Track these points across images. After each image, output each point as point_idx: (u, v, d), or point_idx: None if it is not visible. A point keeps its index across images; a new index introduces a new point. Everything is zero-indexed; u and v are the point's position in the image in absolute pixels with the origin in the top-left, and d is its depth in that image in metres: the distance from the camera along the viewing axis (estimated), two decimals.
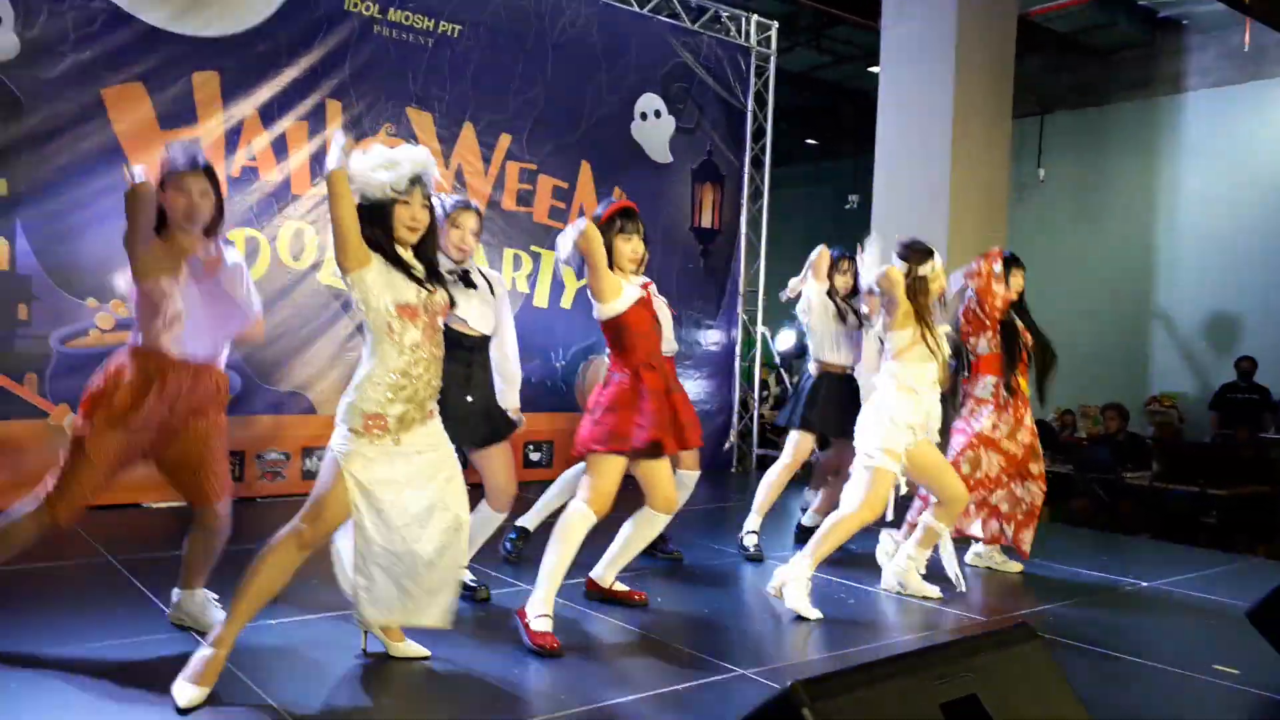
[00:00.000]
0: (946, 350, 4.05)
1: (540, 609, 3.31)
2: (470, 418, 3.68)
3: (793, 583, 3.82)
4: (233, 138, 5.70)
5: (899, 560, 4.22)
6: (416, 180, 2.82)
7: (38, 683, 2.80)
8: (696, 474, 4.53)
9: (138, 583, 3.74)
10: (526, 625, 3.30)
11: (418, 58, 6.32)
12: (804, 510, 5.24)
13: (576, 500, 3.45)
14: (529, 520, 4.52)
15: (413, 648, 3.16)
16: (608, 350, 3.62)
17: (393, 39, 6.23)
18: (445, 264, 3.55)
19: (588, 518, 3.41)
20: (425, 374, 2.86)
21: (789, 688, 1.45)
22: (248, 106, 5.73)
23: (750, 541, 4.86)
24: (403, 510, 2.83)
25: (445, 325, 3.41)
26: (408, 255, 2.88)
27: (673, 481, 3.68)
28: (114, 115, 5.29)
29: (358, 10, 6.07)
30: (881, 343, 4.14)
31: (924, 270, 3.97)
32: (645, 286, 3.63)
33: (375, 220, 2.81)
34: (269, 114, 5.81)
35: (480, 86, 6.61)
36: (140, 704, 2.69)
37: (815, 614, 3.78)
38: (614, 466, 3.46)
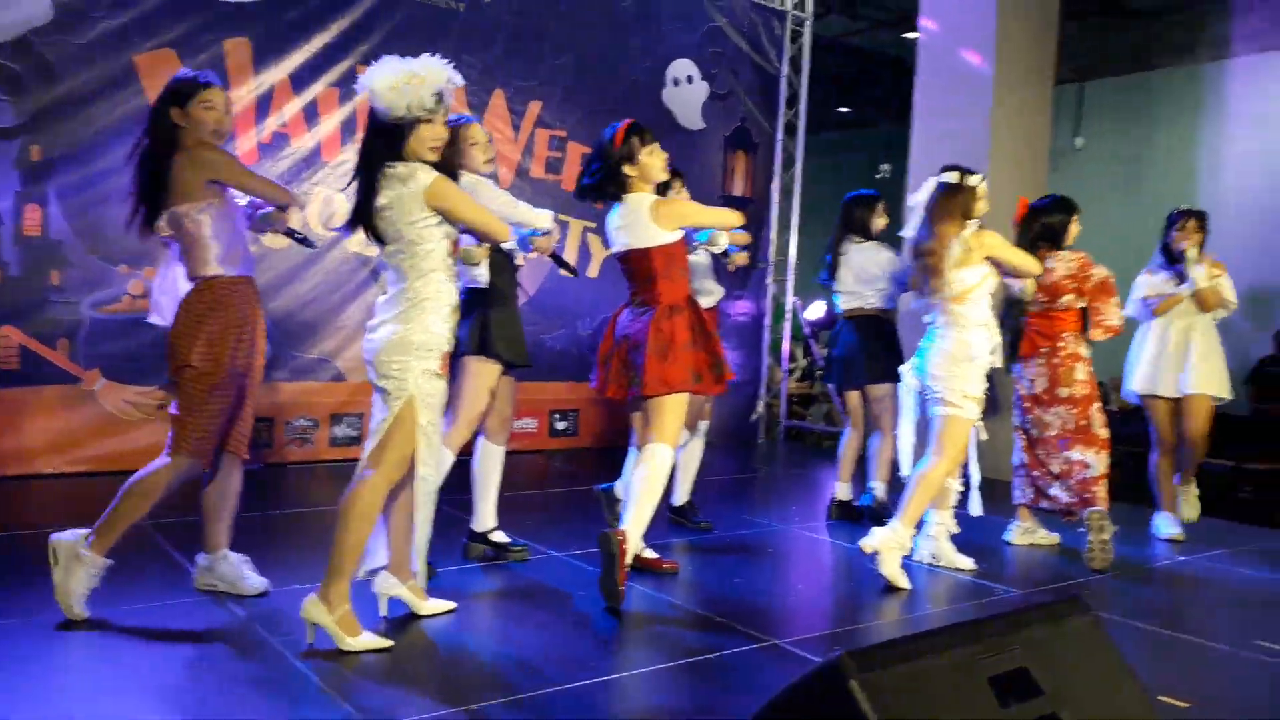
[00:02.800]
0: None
1: (640, 544, 3.60)
2: (522, 336, 3.80)
3: (888, 551, 3.78)
4: (263, 104, 5.68)
5: (930, 529, 4.16)
6: (440, 96, 2.81)
7: (65, 646, 2.83)
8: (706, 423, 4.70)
9: (168, 547, 3.77)
10: (647, 559, 3.77)
11: (449, 23, 6.26)
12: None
13: (659, 445, 3.48)
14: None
15: (439, 604, 3.19)
16: (642, 286, 3.59)
17: (424, 4, 6.18)
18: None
19: (672, 457, 3.53)
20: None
21: (837, 658, 1.42)
22: (278, 73, 5.71)
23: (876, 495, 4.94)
24: (440, 459, 2.94)
25: (501, 249, 3.61)
26: None
27: None
28: (146, 82, 5.27)
29: None
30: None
31: (973, 180, 3.93)
32: None
33: (400, 139, 2.80)
34: (300, 80, 5.78)
35: (511, 52, 6.54)
36: (167, 668, 2.70)
37: (906, 584, 3.77)
38: (685, 402, 3.57)
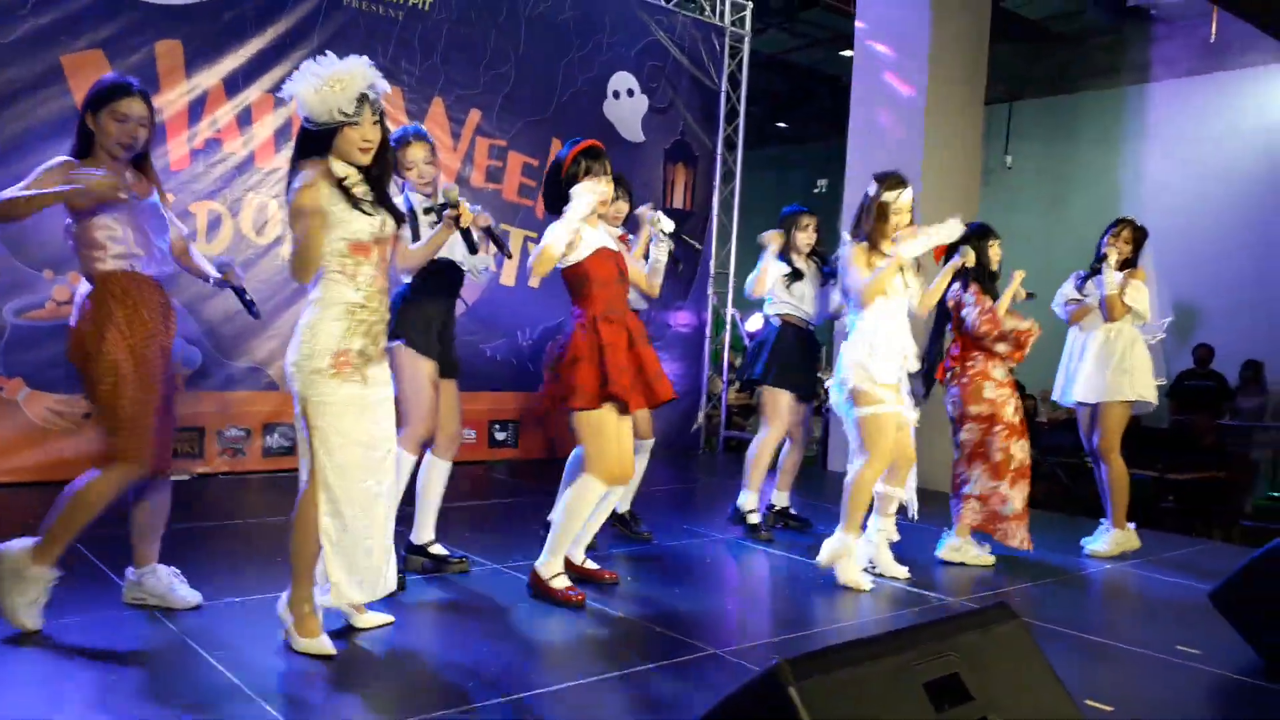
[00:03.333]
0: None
1: (555, 569, 3.50)
2: (454, 349, 3.79)
3: (840, 560, 3.91)
4: (196, 109, 5.57)
5: (871, 535, 4.21)
6: (363, 99, 2.76)
7: None
8: (651, 441, 4.57)
9: (94, 559, 3.66)
10: (549, 587, 3.48)
11: (387, 30, 6.22)
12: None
13: (585, 475, 3.45)
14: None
15: (376, 616, 3.15)
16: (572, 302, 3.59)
17: (362, 10, 6.12)
18: (422, 201, 3.59)
19: (597, 489, 3.45)
20: (380, 308, 2.86)
21: (775, 666, 1.44)
22: (211, 77, 5.61)
23: (754, 520, 4.90)
24: (364, 466, 2.83)
25: (439, 259, 3.50)
26: (360, 188, 2.81)
27: (631, 446, 3.61)
28: (73, 83, 5.14)
29: None
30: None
31: (888, 196, 3.94)
32: (622, 239, 3.62)
33: (325, 145, 2.77)
34: (234, 85, 5.68)
35: (450, 61, 6.51)
36: (96, 682, 2.63)
37: (868, 586, 3.88)
38: (607, 421, 3.43)
